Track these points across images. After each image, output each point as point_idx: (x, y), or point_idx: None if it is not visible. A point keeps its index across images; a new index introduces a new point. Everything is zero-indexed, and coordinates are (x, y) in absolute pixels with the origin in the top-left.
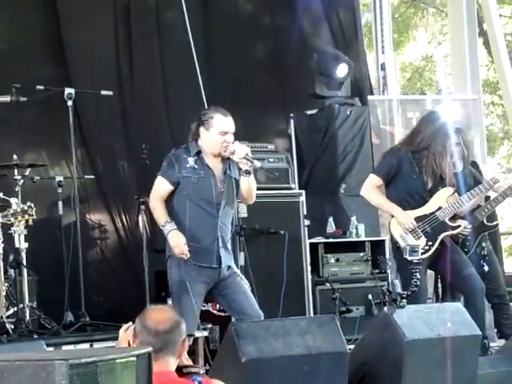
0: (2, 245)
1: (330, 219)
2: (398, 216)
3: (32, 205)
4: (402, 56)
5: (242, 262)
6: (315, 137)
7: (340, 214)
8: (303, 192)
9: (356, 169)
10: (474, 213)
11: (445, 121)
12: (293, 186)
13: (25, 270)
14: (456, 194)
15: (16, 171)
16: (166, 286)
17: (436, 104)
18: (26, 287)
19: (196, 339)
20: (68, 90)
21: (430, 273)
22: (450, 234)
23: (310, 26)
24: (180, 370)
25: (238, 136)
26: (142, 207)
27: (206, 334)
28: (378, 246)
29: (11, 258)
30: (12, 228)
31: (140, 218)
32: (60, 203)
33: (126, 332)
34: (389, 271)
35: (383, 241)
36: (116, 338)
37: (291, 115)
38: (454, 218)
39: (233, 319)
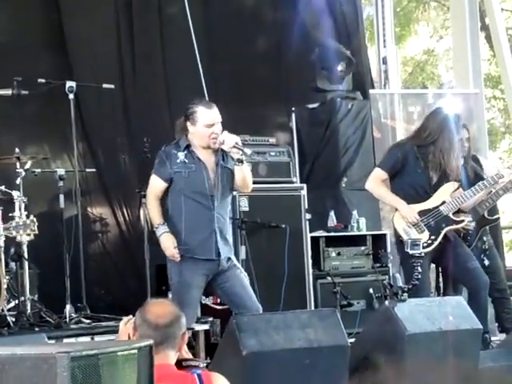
0: (4, 238)
1: (332, 213)
2: (402, 210)
3: (34, 219)
4: (403, 50)
5: (243, 255)
6: (317, 131)
7: (341, 208)
8: (304, 186)
9: (357, 163)
10: (475, 207)
11: (452, 116)
12: (294, 179)
13: (26, 263)
14: (460, 188)
15: (18, 164)
16: (167, 279)
17: (437, 98)
18: (27, 280)
19: (197, 333)
20: (69, 84)
21: (432, 267)
22: (454, 228)
23: (312, 19)
24: (180, 363)
25: (240, 129)
26: (143, 201)
27: (206, 327)
28: (379, 240)
29: (12, 250)
30: (13, 221)
31: (141, 212)
32: (61, 196)
33: (126, 325)
34: (390, 265)
35: (384, 235)
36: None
37: (293, 109)
38: (458, 212)
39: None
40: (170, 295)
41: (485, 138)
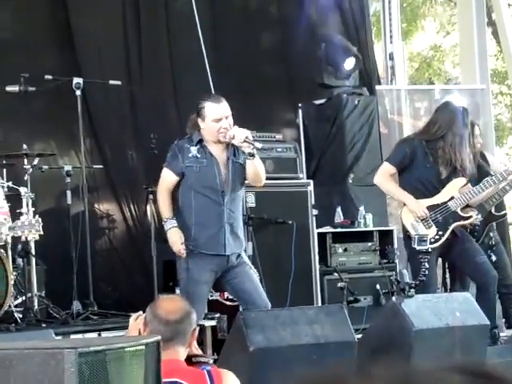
0: (11, 234)
1: (338, 209)
2: (410, 204)
3: (39, 219)
4: (410, 46)
5: (250, 251)
6: (323, 127)
7: (348, 204)
8: (311, 182)
9: (364, 158)
10: (482, 203)
11: (460, 110)
12: (301, 175)
13: (33, 260)
14: (469, 184)
15: (25, 160)
16: (174, 275)
17: (444, 94)
18: (35, 276)
19: (204, 328)
20: (76, 80)
21: (438, 263)
22: (461, 224)
23: (318, 15)
24: (189, 360)
25: (246, 125)
26: (151, 197)
27: (213, 323)
28: (386, 236)
29: (20, 247)
30: (21, 217)
31: (148, 208)
32: (68, 193)
33: (136, 321)
34: (397, 261)
35: (391, 231)
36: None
37: (299, 105)
38: (466, 208)
39: (241, 309)
40: (177, 291)
41: (491, 134)
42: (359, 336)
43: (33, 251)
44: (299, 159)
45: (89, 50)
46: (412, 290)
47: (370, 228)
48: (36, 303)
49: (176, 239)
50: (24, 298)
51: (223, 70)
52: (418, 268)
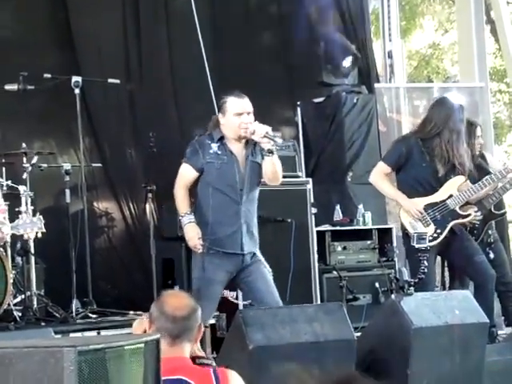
0: (10, 233)
1: (337, 207)
2: (404, 204)
3: (41, 217)
4: (408, 44)
5: None
6: (322, 125)
7: (347, 202)
8: (310, 180)
9: (363, 157)
10: (481, 201)
11: (456, 106)
12: (300, 173)
13: (32, 258)
14: (468, 182)
15: (24, 159)
16: (173, 273)
17: (443, 92)
18: (34, 275)
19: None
20: (75, 78)
21: (437, 261)
22: (460, 222)
23: (318, 13)
24: (193, 361)
25: None
26: (150, 195)
27: (213, 321)
28: (385, 234)
29: (19, 245)
30: (20, 216)
31: (147, 206)
32: (67, 191)
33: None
34: (396, 259)
35: (390, 229)
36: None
37: (298, 103)
38: (465, 206)
39: (240, 307)
40: (176, 289)
41: (490, 132)
42: (358, 334)
43: (32, 250)
44: (298, 157)
45: (88, 49)
46: (411, 288)
47: (369, 226)
48: (35, 302)
49: (193, 234)
50: (23, 296)
51: (222, 68)
52: (417, 266)
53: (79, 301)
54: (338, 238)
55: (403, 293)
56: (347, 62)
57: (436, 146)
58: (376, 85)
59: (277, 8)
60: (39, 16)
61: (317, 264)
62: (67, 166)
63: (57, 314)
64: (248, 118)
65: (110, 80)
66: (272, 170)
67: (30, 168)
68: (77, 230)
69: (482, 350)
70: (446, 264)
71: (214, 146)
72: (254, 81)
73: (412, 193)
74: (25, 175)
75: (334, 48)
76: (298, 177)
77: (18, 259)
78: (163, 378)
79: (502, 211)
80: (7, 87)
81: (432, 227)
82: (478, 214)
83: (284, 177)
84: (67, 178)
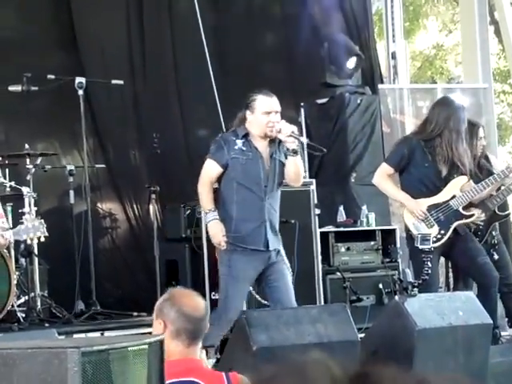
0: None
1: (341, 208)
2: (408, 204)
3: (42, 221)
4: (412, 44)
5: None
6: (326, 126)
7: (350, 203)
8: (314, 181)
9: (366, 158)
10: (485, 202)
11: (457, 106)
12: (303, 174)
13: (36, 259)
14: (471, 182)
15: (28, 160)
16: (177, 274)
17: (446, 93)
18: (37, 276)
19: None
20: (79, 79)
21: (441, 262)
22: (463, 222)
23: (321, 14)
24: None
25: None
26: (153, 196)
27: None
28: (388, 235)
29: (22, 247)
30: (23, 217)
31: (151, 207)
32: (71, 192)
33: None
34: (399, 260)
35: (394, 230)
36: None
37: (302, 104)
38: (468, 206)
39: (244, 308)
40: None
41: (494, 133)
42: (362, 335)
43: (35, 251)
44: (301, 158)
45: (92, 50)
46: (415, 290)
47: (373, 227)
48: (39, 303)
49: (217, 231)
50: (27, 297)
51: (226, 69)
52: (421, 267)
53: (83, 302)
54: (341, 239)
55: (407, 294)
56: (351, 63)
57: (437, 146)
58: (380, 86)
59: (280, 9)
60: (43, 17)
61: (320, 265)
62: (71, 167)
63: (60, 315)
64: (276, 117)
65: (114, 81)
66: (295, 170)
67: (33, 169)
68: (80, 230)
69: (485, 351)
70: (450, 265)
71: (239, 143)
72: (258, 82)
73: (416, 193)
74: (28, 176)
75: (338, 49)
76: None
77: (22, 260)
78: (176, 380)
79: (507, 212)
80: (11, 88)
81: (436, 228)
82: (482, 215)
83: None
84: (71, 179)
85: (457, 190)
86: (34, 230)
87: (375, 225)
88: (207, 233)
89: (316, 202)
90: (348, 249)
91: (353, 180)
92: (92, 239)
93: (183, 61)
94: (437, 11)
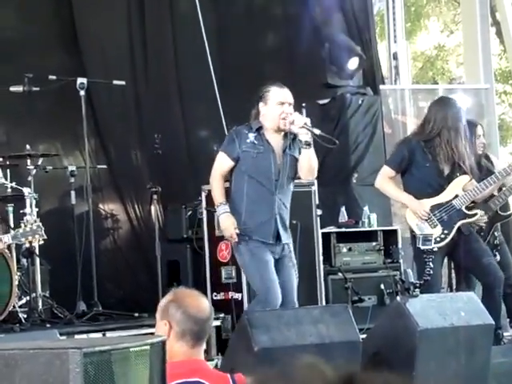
0: (11, 242)
1: (343, 209)
2: (411, 205)
3: (41, 224)
4: (413, 45)
5: None
6: (327, 126)
7: (352, 204)
8: (315, 182)
9: (368, 158)
10: (488, 203)
11: (454, 104)
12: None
13: (37, 260)
14: (473, 181)
15: (29, 161)
16: (178, 275)
17: (448, 93)
18: (39, 276)
19: None
20: (80, 80)
21: (444, 263)
22: (467, 222)
23: (322, 15)
24: None
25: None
26: (155, 197)
27: (218, 323)
28: (390, 236)
29: (24, 247)
30: (24, 218)
31: (152, 208)
32: (72, 193)
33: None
34: (401, 261)
35: (395, 230)
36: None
37: (303, 105)
38: (471, 206)
39: (245, 308)
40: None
41: (496, 134)
42: (364, 336)
43: (37, 251)
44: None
45: (93, 51)
46: (417, 290)
47: (374, 228)
48: (40, 303)
49: (228, 224)
50: (28, 298)
51: (227, 70)
52: (423, 267)
53: (84, 302)
54: (343, 240)
55: (409, 294)
56: (352, 64)
57: (437, 145)
58: (381, 86)
59: (281, 9)
60: (44, 17)
61: (322, 266)
62: (72, 168)
63: (62, 316)
64: (289, 109)
65: (115, 82)
66: (308, 163)
67: (34, 170)
68: (82, 231)
69: (487, 352)
70: (453, 266)
71: (251, 136)
72: (259, 82)
73: (420, 194)
74: (29, 177)
75: (339, 49)
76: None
77: (23, 261)
78: (181, 381)
79: (509, 213)
80: (12, 89)
81: (439, 228)
82: (485, 216)
83: None
84: (72, 180)
85: (459, 189)
86: (32, 233)
87: (377, 225)
88: (207, 232)
89: (318, 202)
90: (350, 249)
91: (354, 181)
92: (93, 240)
93: (185, 61)
94: (438, 12)
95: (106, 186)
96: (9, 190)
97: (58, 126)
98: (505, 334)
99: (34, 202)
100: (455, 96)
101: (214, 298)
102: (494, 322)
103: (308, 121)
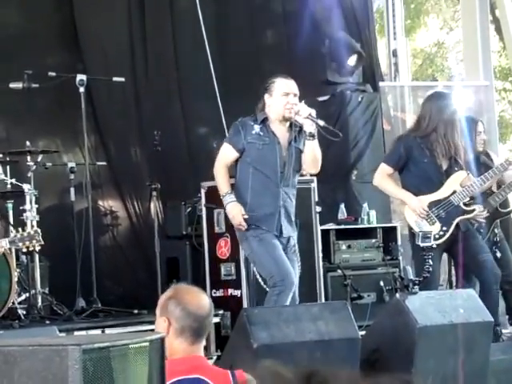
0: (14, 231)
1: (342, 206)
2: (410, 202)
3: (38, 230)
4: (413, 42)
5: None
6: (327, 123)
7: (351, 201)
8: (315, 178)
9: (367, 155)
10: (488, 199)
11: (447, 98)
12: (304, 172)
13: (37, 256)
14: (470, 176)
15: (29, 157)
16: (178, 272)
17: (447, 90)
18: (38, 273)
19: None
20: (80, 77)
21: (444, 260)
22: (465, 218)
23: (322, 12)
24: None
25: None
26: (154, 193)
27: (217, 320)
28: (389, 233)
29: (24, 250)
30: (24, 214)
31: (152, 205)
32: (72, 189)
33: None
34: (400, 258)
35: (395, 227)
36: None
37: (303, 101)
38: (469, 202)
39: (244, 305)
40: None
41: (495, 131)
42: (363, 333)
43: (36, 248)
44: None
45: (93, 48)
46: (416, 287)
47: (374, 225)
48: (40, 300)
49: (236, 212)
50: (28, 294)
51: (227, 67)
52: (422, 264)
53: (83, 299)
54: (342, 237)
55: (408, 291)
56: (352, 61)
57: (434, 140)
58: (381, 83)
59: (281, 6)
60: (44, 14)
61: (321, 263)
62: (72, 165)
63: (61, 313)
64: (294, 100)
65: (115, 78)
66: (312, 154)
67: (34, 166)
68: (81, 228)
69: (486, 349)
70: (452, 263)
71: (257, 127)
72: (259, 79)
73: (418, 190)
74: (29, 174)
75: (339, 46)
76: (302, 175)
77: (23, 257)
78: (181, 377)
79: (508, 209)
80: (12, 85)
81: (438, 225)
82: (484, 212)
83: None
84: (72, 177)
85: (457, 185)
86: (29, 238)
87: (376, 222)
88: (207, 229)
89: (317, 199)
90: (349, 246)
91: (354, 178)
92: (93, 236)
93: (184, 59)
94: (438, 9)
95: (106, 182)
96: (8, 186)
97: (58, 122)
98: (504, 331)
99: (33, 198)
100: (454, 93)
101: (214, 294)
102: (493, 319)
103: (313, 112)
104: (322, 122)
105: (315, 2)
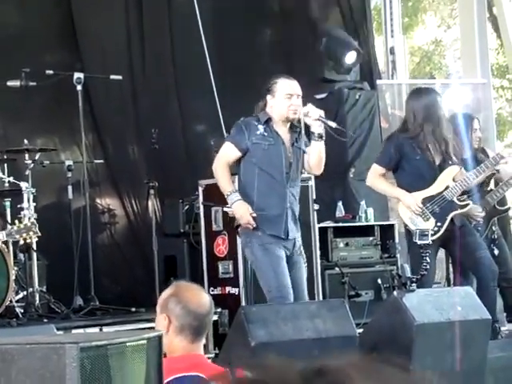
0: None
1: (340, 203)
2: (404, 199)
3: (35, 221)
4: (411, 40)
5: None
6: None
7: (349, 199)
8: (312, 176)
9: (365, 153)
10: (485, 197)
11: (430, 93)
12: (302, 170)
13: (34, 255)
14: (463, 170)
15: (26, 156)
16: (175, 270)
17: (445, 88)
18: (36, 271)
19: None
20: (77, 75)
21: (442, 257)
22: (459, 213)
23: (319, 9)
24: None
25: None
26: (152, 191)
27: (215, 318)
28: (387, 231)
29: (21, 242)
30: (22, 212)
31: (149, 203)
32: (70, 187)
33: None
34: (398, 255)
35: (392, 225)
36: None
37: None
38: (462, 196)
39: (242, 303)
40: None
41: (493, 128)
42: (360, 330)
43: (34, 246)
44: None
45: (91, 46)
46: (413, 285)
47: (372, 222)
48: (37, 298)
49: (244, 210)
50: (25, 292)
51: (224, 65)
52: (418, 261)
53: (81, 297)
54: (340, 235)
55: (405, 289)
56: (349, 59)
57: (424, 139)
58: (378, 81)
59: (278, 4)
60: (42, 12)
61: (319, 260)
62: (69, 163)
63: (59, 311)
64: (297, 101)
65: (112, 76)
66: (319, 155)
67: (32, 164)
68: (79, 226)
69: (484, 347)
70: (450, 260)
71: (261, 128)
72: (256, 77)
73: (413, 187)
74: (27, 172)
75: (336, 44)
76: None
77: (20, 256)
78: (181, 375)
79: (506, 207)
80: (9, 83)
81: (432, 221)
82: (482, 213)
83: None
84: (69, 175)
85: (450, 180)
86: (26, 230)
87: (374, 220)
88: (204, 227)
89: (315, 197)
90: (347, 244)
91: (351, 175)
92: (90, 235)
93: (182, 57)
94: (435, 6)
95: (103, 180)
96: (6, 184)
97: (56, 120)
98: (502, 328)
99: (31, 196)
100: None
101: (211, 292)
102: (490, 317)
103: (323, 113)
104: (333, 124)
105: (312, 0)
